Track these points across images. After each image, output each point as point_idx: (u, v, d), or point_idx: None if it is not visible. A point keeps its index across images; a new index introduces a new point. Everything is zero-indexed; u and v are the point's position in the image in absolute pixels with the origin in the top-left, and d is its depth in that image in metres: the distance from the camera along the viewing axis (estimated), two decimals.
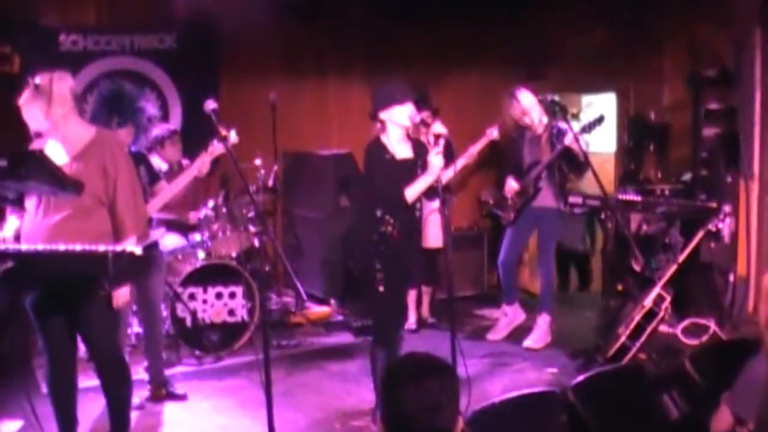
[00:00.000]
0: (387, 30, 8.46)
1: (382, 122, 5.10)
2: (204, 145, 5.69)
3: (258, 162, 7.27)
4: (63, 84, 4.30)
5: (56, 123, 4.27)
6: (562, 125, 6.57)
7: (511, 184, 6.88)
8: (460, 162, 6.54)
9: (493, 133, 6.80)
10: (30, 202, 4.29)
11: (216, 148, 5.61)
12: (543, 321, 6.90)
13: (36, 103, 4.23)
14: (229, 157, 4.99)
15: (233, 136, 5.44)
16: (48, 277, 4.06)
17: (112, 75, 7.59)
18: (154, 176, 5.86)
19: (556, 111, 6.63)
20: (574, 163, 6.60)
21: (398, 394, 2.52)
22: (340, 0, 7.99)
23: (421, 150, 5.18)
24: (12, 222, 4.37)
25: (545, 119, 6.71)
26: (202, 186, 7.06)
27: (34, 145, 4.38)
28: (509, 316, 7.16)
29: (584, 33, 8.76)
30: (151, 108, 6.44)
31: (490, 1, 7.98)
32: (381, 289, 5.02)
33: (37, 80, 4.24)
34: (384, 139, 5.10)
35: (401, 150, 5.12)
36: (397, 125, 5.07)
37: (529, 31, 8.77)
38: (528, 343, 6.86)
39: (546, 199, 6.78)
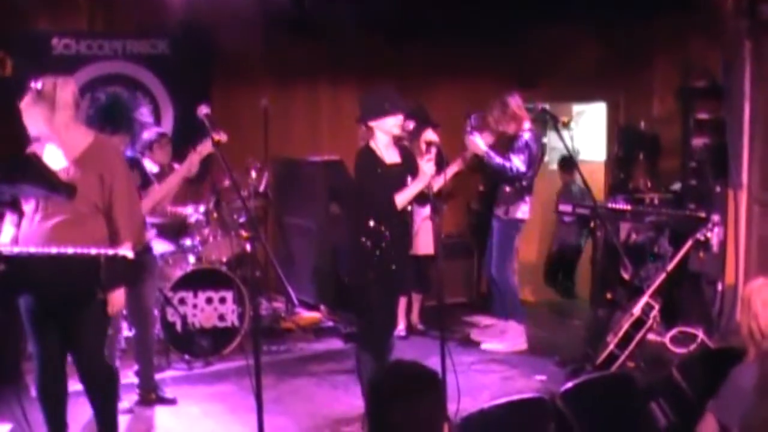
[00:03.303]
0: (379, 40, 8.48)
1: (370, 128, 5.13)
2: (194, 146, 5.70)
3: (251, 168, 7.27)
4: (67, 90, 4.30)
5: (58, 129, 4.27)
6: (525, 135, 6.69)
7: None
8: (451, 170, 6.59)
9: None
10: (27, 206, 4.29)
11: (204, 147, 5.57)
12: (510, 327, 6.96)
13: (37, 108, 4.23)
14: (219, 158, 4.97)
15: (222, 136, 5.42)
16: (41, 280, 4.07)
17: (104, 80, 7.60)
18: (146, 180, 5.86)
19: (546, 120, 6.68)
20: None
21: (386, 404, 2.53)
22: (332, 10, 8.01)
23: (408, 156, 5.22)
24: (8, 229, 4.37)
25: (526, 125, 6.76)
26: (193, 190, 7.06)
27: (31, 149, 4.38)
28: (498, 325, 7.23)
29: (577, 45, 8.82)
30: (146, 116, 6.44)
31: (482, 14, 8.01)
32: (371, 295, 5.05)
33: (40, 85, 4.23)
34: (373, 145, 5.14)
35: (389, 155, 5.16)
36: (386, 133, 5.11)
37: (522, 43, 8.80)
38: (488, 344, 6.95)
39: (496, 206, 6.92)
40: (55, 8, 7.61)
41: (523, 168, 6.69)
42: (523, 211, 6.87)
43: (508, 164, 6.67)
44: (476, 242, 8.43)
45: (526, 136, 6.72)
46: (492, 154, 6.67)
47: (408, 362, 2.73)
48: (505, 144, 6.93)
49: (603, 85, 8.89)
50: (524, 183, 6.80)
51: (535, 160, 6.78)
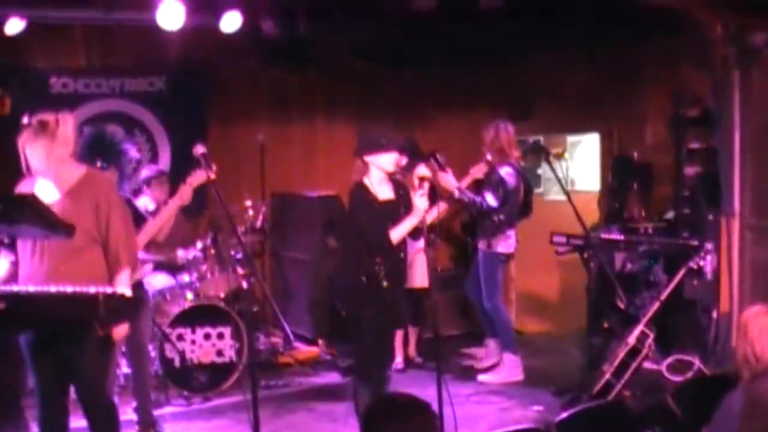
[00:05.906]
0: (374, 73, 8.56)
1: (365, 163, 5.22)
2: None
3: (248, 203, 7.34)
4: (68, 125, 4.36)
5: (56, 162, 4.33)
6: (502, 170, 6.80)
7: None
8: (442, 206, 6.67)
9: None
10: (24, 247, 4.33)
11: (195, 178, 5.60)
12: (505, 359, 6.99)
13: (39, 141, 4.28)
14: (215, 195, 5.03)
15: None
16: (41, 318, 4.09)
17: (102, 118, 7.66)
18: (139, 218, 5.85)
19: (538, 152, 6.74)
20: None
21: (378, 430, 2.58)
22: (327, 44, 8.11)
23: (402, 191, 5.29)
24: (2, 264, 4.41)
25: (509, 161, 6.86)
26: (190, 226, 7.11)
27: (24, 184, 4.44)
28: (489, 346, 7.31)
29: (568, 75, 8.91)
30: (133, 151, 6.45)
31: (475, 45, 8.11)
32: (368, 330, 5.09)
33: (41, 119, 4.28)
34: (366, 181, 5.22)
35: (383, 191, 5.24)
36: (380, 169, 5.19)
37: (514, 74, 8.90)
38: (484, 376, 6.99)
39: (479, 239, 7.01)
40: (53, 46, 7.69)
41: (494, 203, 6.78)
42: (504, 244, 6.94)
43: (478, 199, 6.78)
44: None
45: (503, 171, 6.81)
46: (464, 190, 6.79)
47: (400, 393, 2.78)
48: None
49: (596, 115, 8.97)
50: (502, 217, 6.85)
51: (511, 196, 6.83)
